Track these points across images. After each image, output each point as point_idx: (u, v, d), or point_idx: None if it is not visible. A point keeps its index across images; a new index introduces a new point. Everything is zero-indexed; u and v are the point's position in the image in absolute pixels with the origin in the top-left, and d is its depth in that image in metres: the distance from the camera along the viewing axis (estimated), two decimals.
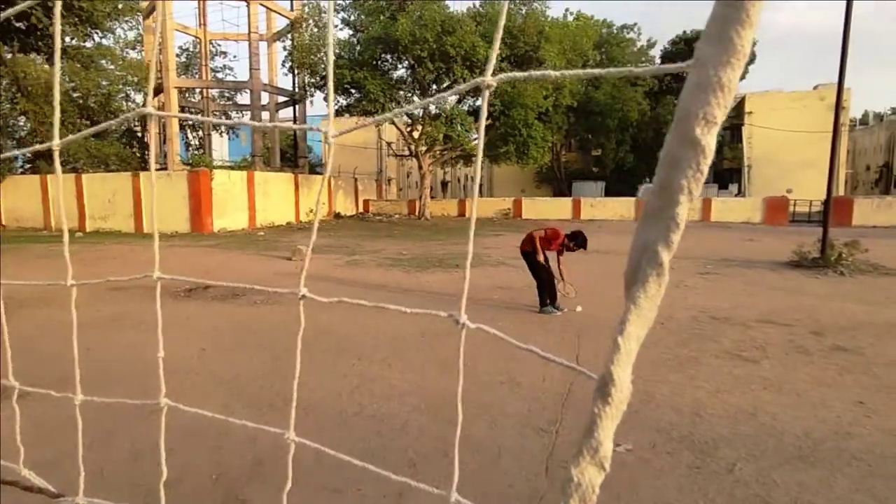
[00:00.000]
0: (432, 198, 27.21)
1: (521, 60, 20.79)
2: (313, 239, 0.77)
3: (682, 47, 32.68)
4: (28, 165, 21.60)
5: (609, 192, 30.17)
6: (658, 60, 36.55)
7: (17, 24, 11.92)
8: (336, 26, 22.07)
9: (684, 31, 33.21)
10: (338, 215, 25.65)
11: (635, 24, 32.19)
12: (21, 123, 21.62)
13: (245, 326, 5.75)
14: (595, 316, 6.19)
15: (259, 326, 5.73)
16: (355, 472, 2.80)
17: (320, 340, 5.11)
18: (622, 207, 25.61)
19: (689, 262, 10.38)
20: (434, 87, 22.11)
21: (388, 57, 21.68)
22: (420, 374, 4.34)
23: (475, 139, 24.56)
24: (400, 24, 18.97)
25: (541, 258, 6.47)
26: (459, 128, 21.50)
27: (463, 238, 15.93)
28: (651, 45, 33.52)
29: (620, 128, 29.83)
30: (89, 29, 14.59)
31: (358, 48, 21.29)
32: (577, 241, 6.44)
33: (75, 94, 19.31)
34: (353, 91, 21.68)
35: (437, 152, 23.89)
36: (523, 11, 21.10)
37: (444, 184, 38.60)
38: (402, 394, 3.91)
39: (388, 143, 29.94)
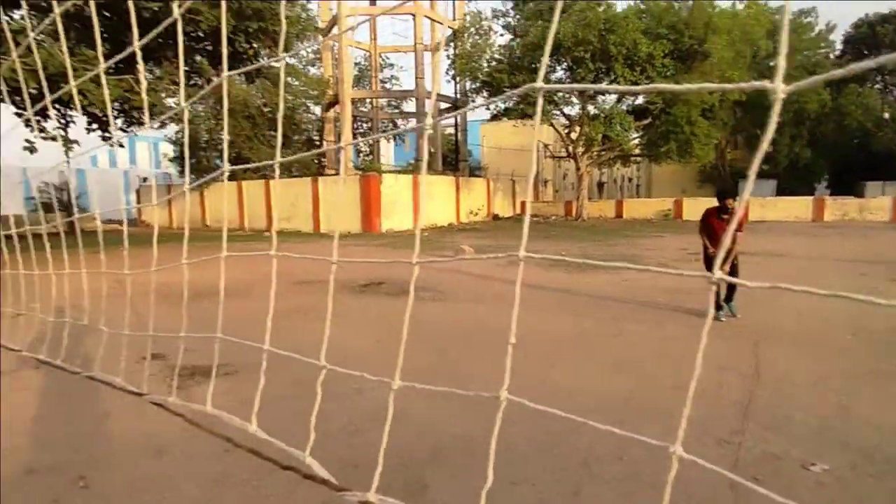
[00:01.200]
0: (589, 199, 26.53)
1: (686, 55, 19.51)
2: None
3: (866, 31, 28.33)
4: (229, 174, 24.97)
5: (782, 192, 27.16)
6: (839, 45, 32.18)
7: (223, 51, 13.77)
8: (496, 32, 22.48)
9: (866, 14, 28.90)
10: (496, 217, 26.20)
11: (813, 7, 28.59)
12: (223, 136, 24.97)
13: (414, 320, 5.99)
14: (772, 324, 5.54)
15: (426, 320, 5.96)
16: (528, 466, 2.77)
17: (481, 336, 5.18)
18: (797, 207, 22.95)
19: (882, 266, 8.94)
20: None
21: (547, 59, 21.57)
22: (584, 374, 4.21)
23: (634, 138, 23.47)
24: (561, 26, 18.74)
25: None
26: (618, 128, 20.77)
27: (622, 239, 15.33)
28: (830, 29, 29.72)
29: (795, 121, 26.76)
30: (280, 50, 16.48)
31: (517, 52, 21.39)
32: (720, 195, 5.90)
33: (266, 109, 21.95)
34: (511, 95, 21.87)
35: (595, 153, 23.28)
36: (689, 3, 19.76)
37: (601, 185, 37.42)
38: (570, 393, 3.80)
39: (546, 145, 29.74)
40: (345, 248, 13.96)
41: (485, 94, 22.53)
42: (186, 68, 14.20)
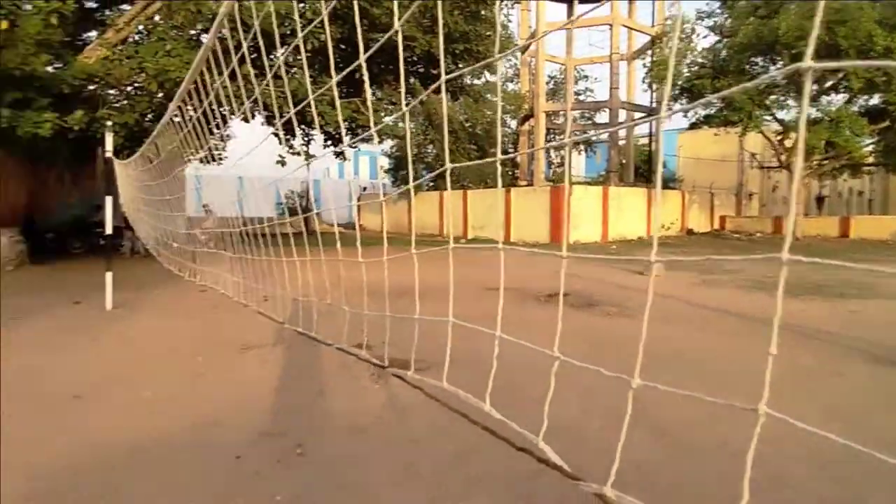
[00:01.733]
0: (805, 215, 23.09)
1: None
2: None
3: None
4: (431, 184, 27.01)
5: None
6: None
7: (433, 72, 14.93)
8: (699, 35, 20.93)
9: None
10: (690, 231, 24.24)
11: None
12: (429, 150, 26.88)
13: (598, 335, 5.88)
14: None
15: (610, 337, 5.76)
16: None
17: (671, 361, 4.86)
18: None
19: None
20: (815, 86, 18.78)
21: (759, 60, 19.48)
22: (796, 416, 3.64)
23: (867, 144, 19.90)
24: (781, 20, 16.72)
25: None
26: (847, 132, 17.78)
27: (848, 261, 12.92)
28: None
29: None
30: (483, 68, 17.30)
31: (723, 54, 19.74)
32: None
33: (467, 124, 23.33)
34: (714, 101, 20.20)
35: (815, 162, 20.22)
36: None
37: (820, 199, 32.15)
38: (776, 437, 3.35)
39: (753, 155, 26.73)
40: (531, 257, 14.09)
41: (683, 101, 21.05)
42: (402, 90, 15.73)
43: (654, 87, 22.63)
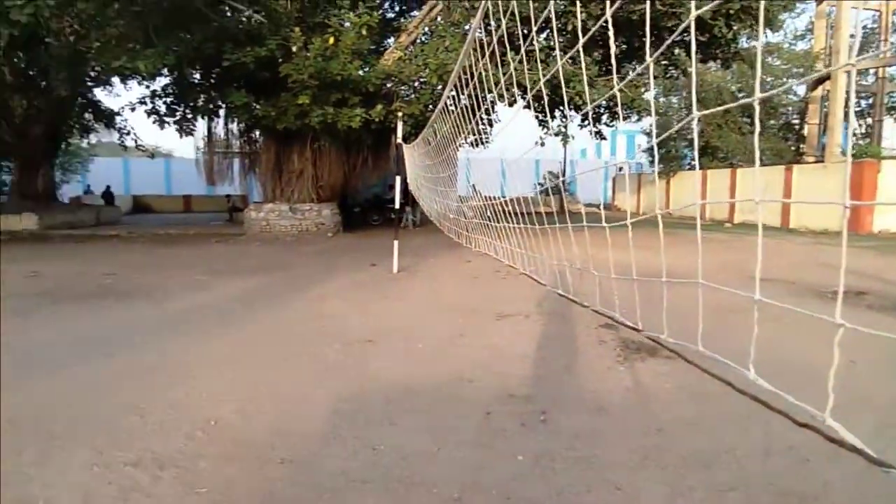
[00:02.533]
0: None
1: None
2: None
3: None
4: (694, 162, 24.68)
5: None
6: None
7: (701, 39, 13.63)
8: None
9: None
10: None
11: None
12: (693, 125, 24.59)
13: None
14: None
15: None
16: None
17: None
18: None
19: None
20: None
21: None
22: None
23: None
24: None
25: None
26: None
27: None
28: None
29: None
30: (764, 29, 15.07)
31: None
32: None
33: (740, 94, 20.63)
34: None
35: None
36: None
37: None
38: None
39: None
40: (815, 246, 11.98)
41: None
42: (665, 62, 14.68)
43: None
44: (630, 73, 14.41)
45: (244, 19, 11.85)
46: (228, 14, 11.70)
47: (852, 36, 23.89)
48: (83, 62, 12.66)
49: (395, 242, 8.37)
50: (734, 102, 20.88)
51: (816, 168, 17.55)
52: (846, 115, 22.89)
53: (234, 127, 15.53)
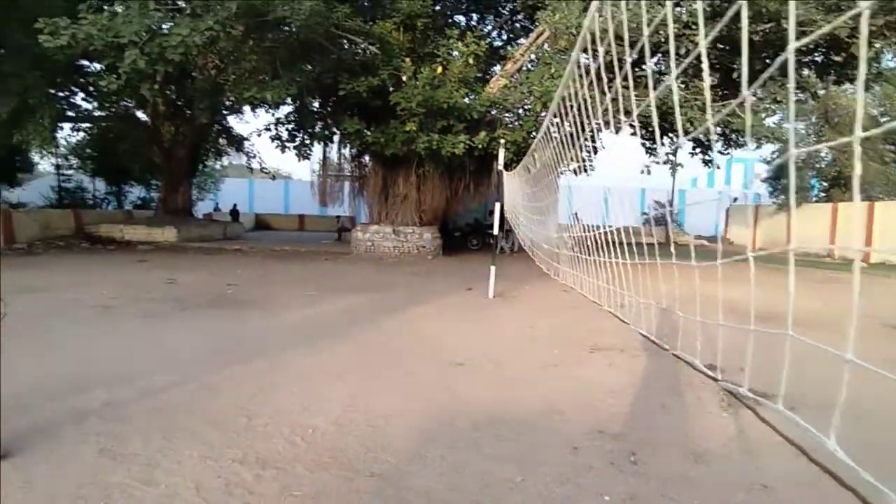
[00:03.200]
0: None
1: None
2: None
3: None
4: (823, 194, 22.57)
5: None
6: None
7: (836, 58, 12.57)
8: None
9: None
10: None
11: None
12: (823, 154, 22.67)
13: None
14: None
15: None
16: None
17: None
18: None
19: None
20: None
21: None
22: None
23: None
24: None
25: None
26: None
27: None
28: None
29: None
30: None
31: None
32: None
33: (883, 119, 18.67)
34: None
35: None
36: None
37: None
38: None
39: None
40: None
41: None
42: (789, 85, 13.70)
43: None
44: (753, 96, 13.55)
45: (360, 51, 12.68)
46: (346, 46, 12.57)
47: None
48: (221, 93, 14.17)
49: (492, 268, 8.43)
50: (876, 128, 18.91)
51: None
52: None
53: (346, 152, 16.55)
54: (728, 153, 15.94)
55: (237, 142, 21.14)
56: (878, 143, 18.74)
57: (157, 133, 18.01)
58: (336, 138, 15.71)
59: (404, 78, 11.97)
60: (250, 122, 72.59)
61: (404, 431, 3.32)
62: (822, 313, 7.14)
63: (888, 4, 11.04)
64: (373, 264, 13.13)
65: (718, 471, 2.99)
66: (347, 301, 7.87)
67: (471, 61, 11.95)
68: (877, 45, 11.89)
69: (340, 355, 4.97)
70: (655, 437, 3.36)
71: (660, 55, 11.25)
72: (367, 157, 16.24)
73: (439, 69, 11.90)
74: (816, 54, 13.25)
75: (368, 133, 13.34)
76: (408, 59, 11.93)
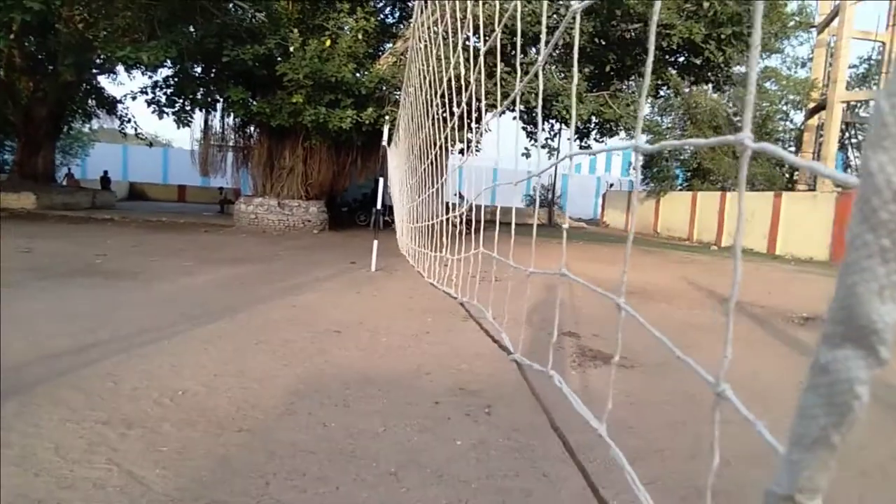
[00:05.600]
0: None
1: None
2: None
3: None
4: (685, 183, 25.12)
5: None
6: None
7: (695, 61, 14.02)
8: None
9: None
10: None
11: None
12: (686, 147, 25.09)
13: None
14: None
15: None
16: None
17: None
18: None
19: None
20: None
21: None
22: None
23: None
24: None
25: None
26: None
27: None
28: None
29: None
30: (759, 54, 15.41)
31: None
32: None
33: (736, 119, 21.10)
34: None
35: None
36: None
37: None
38: None
39: None
40: (797, 274, 12.33)
41: None
42: (657, 81, 15.06)
43: None
44: (622, 90, 14.75)
45: (246, 17, 12.18)
46: (232, 11, 12.03)
47: (852, 66, 24.46)
48: (89, 50, 12.97)
49: (375, 242, 8.67)
50: (727, 126, 21.41)
51: (806, 197, 17.82)
52: (842, 145, 23.36)
53: (230, 121, 15.86)
54: (603, 141, 17.23)
55: (109, 104, 19.35)
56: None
57: (13, 88, 16.09)
58: (219, 106, 15.00)
59: (292, 49, 11.71)
60: (125, 84, 66.23)
61: (275, 392, 3.48)
62: (670, 288, 8.19)
63: (736, 16, 12.52)
64: (256, 237, 12.85)
65: (560, 418, 3.46)
66: (227, 272, 7.75)
67: (360, 36, 11.93)
68: (727, 51, 13.43)
69: (216, 324, 4.99)
70: (511, 393, 3.75)
71: (540, 45, 11.89)
72: (252, 128, 15.69)
73: (328, 42, 11.78)
74: (679, 56, 14.69)
75: (254, 103, 12.91)
76: (296, 30, 11.67)
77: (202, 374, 3.68)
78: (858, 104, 24.01)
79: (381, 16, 15.38)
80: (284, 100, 12.17)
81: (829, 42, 21.97)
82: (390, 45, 14.87)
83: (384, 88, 13.07)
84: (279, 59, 12.03)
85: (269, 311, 5.64)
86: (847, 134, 23.19)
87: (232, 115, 14.84)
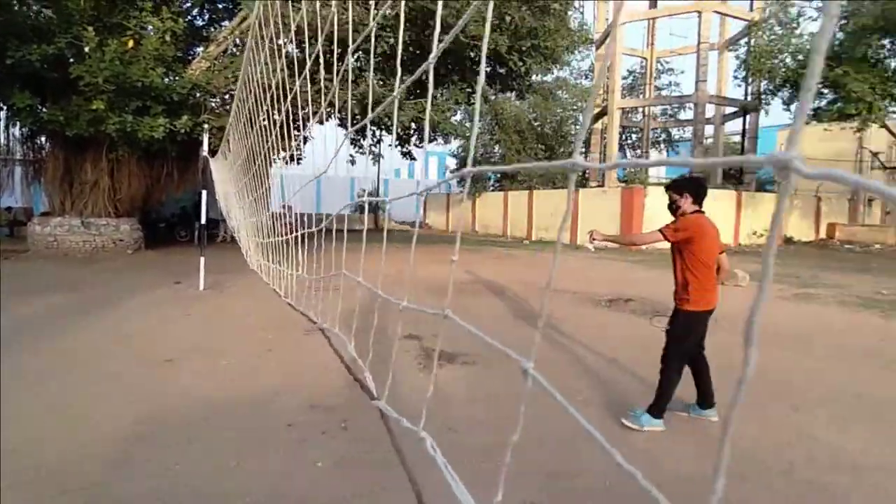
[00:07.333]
0: None
1: None
2: None
3: None
4: (497, 184, 27.36)
5: None
6: None
7: (500, 71, 15.36)
8: (807, 17, 18.90)
9: None
10: (789, 240, 21.77)
11: None
12: (496, 150, 27.32)
13: (658, 343, 5.71)
14: None
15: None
16: None
17: (752, 381, 4.88)
18: None
19: None
20: None
21: (886, 43, 17.27)
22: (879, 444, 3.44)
23: None
24: None
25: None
26: None
27: None
28: None
29: None
30: (551, 64, 17.26)
31: (841, 38, 17.35)
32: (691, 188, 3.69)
33: (535, 123, 23.61)
34: (824, 91, 18.28)
35: None
36: None
37: None
38: (856, 467, 3.10)
39: (875, 154, 24.43)
40: (597, 260, 14.17)
41: (784, 94, 19.62)
42: (468, 89, 16.19)
43: (750, 79, 21.14)
44: (437, 98, 15.56)
45: (31, 14, 10.65)
46: (15, 6, 10.44)
47: (624, 77, 28.63)
48: None
49: (202, 259, 8.25)
50: (529, 130, 23.86)
51: (598, 192, 20.53)
52: (620, 146, 27.23)
53: (15, 131, 13.68)
54: (422, 147, 18.07)
55: None
56: (534, 143, 23.65)
57: None
58: (2, 115, 12.85)
59: (87, 49, 10.50)
60: None
61: (110, 438, 3.19)
62: (496, 282, 9.00)
63: (533, 30, 14.01)
64: (59, 262, 11.31)
65: (417, 422, 3.69)
66: (35, 305, 6.85)
67: (168, 38, 11.10)
68: (527, 62, 14.94)
69: (30, 367, 4.46)
70: (365, 404, 3.68)
71: (360, 53, 12.16)
72: (43, 138, 13.68)
73: (130, 43, 10.77)
74: (487, 65, 15.97)
75: (44, 110, 11.31)
76: (90, 28, 10.48)
77: (27, 427, 3.30)
78: (630, 110, 28.34)
79: (190, 17, 14.39)
80: (82, 106, 10.83)
81: (604, 56, 25.51)
82: (201, 49, 14.02)
83: (199, 95, 12.30)
84: (73, 60, 10.71)
85: (93, 343, 5.18)
86: (623, 136, 27.23)
87: (18, 124, 12.80)
